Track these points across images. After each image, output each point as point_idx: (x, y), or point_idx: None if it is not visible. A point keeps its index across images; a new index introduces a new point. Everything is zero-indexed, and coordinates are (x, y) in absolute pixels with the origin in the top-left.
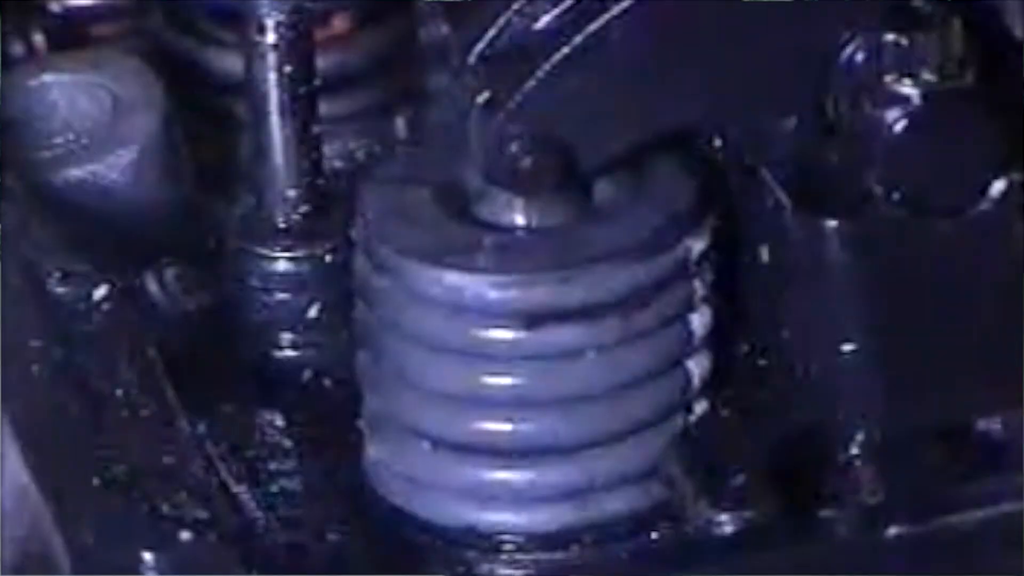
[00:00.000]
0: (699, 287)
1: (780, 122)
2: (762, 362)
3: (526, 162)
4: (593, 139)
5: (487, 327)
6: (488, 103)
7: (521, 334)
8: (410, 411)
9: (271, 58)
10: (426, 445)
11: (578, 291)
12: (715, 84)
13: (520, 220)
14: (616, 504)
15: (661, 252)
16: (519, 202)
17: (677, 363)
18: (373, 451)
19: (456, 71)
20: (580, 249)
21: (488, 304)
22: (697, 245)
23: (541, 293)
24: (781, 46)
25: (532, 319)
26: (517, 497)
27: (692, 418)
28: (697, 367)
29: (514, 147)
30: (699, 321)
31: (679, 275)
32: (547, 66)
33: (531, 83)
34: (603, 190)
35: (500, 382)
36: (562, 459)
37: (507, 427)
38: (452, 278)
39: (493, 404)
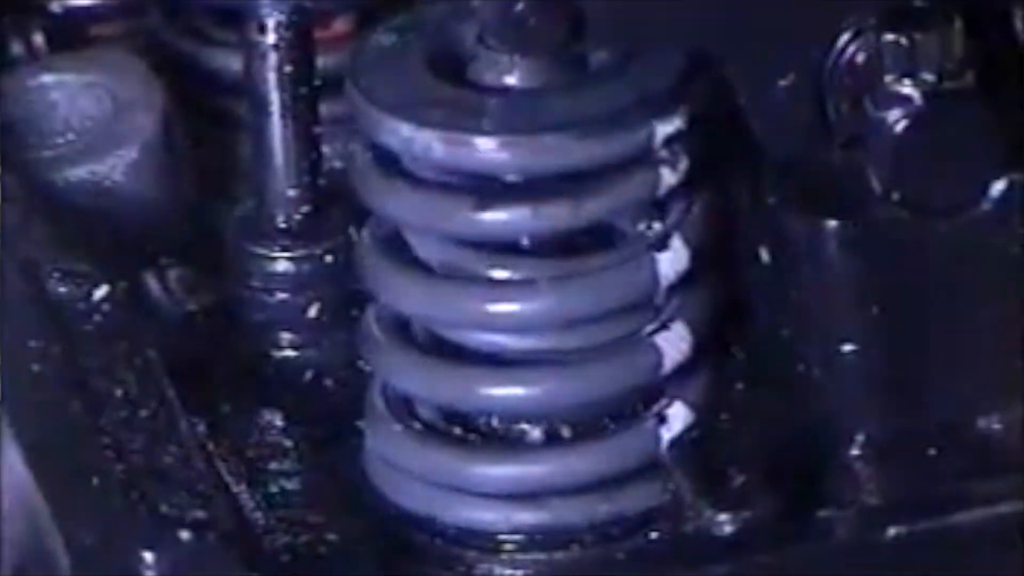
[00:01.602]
0: (667, 176)
1: (780, 75)
2: (762, 362)
3: (532, 21)
4: (604, 24)
5: (437, 191)
6: None
7: (467, 201)
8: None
9: (271, 58)
10: (421, 430)
11: (524, 157)
12: (731, 19)
13: (508, 81)
14: (615, 504)
15: (621, 130)
16: (504, 62)
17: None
18: (372, 443)
19: None
20: (540, 115)
21: (435, 161)
22: (664, 129)
23: (486, 154)
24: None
25: (478, 181)
26: (517, 496)
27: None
28: (667, 342)
29: (522, 5)
30: (670, 262)
31: (641, 159)
32: None
33: None
34: (596, 58)
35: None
36: (561, 455)
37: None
38: (405, 130)
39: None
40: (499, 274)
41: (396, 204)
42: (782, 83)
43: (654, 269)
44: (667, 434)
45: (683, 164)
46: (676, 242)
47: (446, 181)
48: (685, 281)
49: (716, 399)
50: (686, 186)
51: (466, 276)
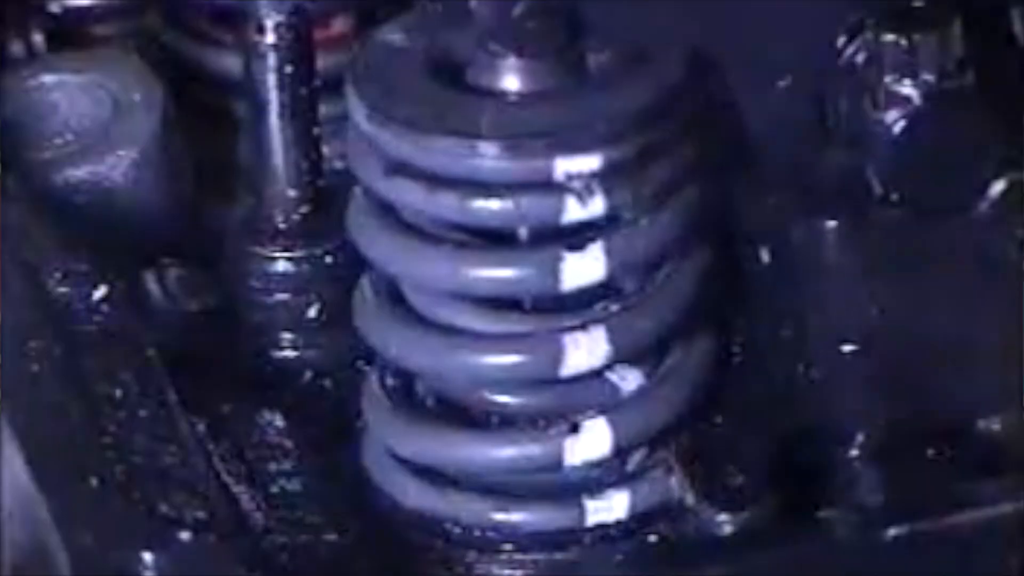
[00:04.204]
0: (573, 207)
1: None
2: (762, 362)
3: (530, 24)
4: (603, 26)
5: (365, 152)
6: None
7: (382, 178)
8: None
9: (271, 58)
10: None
11: (424, 154)
12: (730, 20)
13: (506, 85)
14: (614, 505)
15: (516, 153)
16: (489, 63)
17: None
18: (370, 434)
19: None
20: (458, 119)
21: (363, 135)
22: (566, 165)
23: (394, 140)
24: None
25: (389, 165)
26: (517, 496)
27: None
28: (575, 343)
29: (521, 9)
30: (578, 266)
31: (537, 186)
32: None
33: None
34: (596, 60)
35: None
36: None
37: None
38: (352, 102)
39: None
40: (423, 230)
41: (349, 155)
42: (782, 83)
43: (556, 267)
44: (573, 444)
45: (596, 201)
46: (594, 249)
47: (372, 146)
48: (611, 293)
49: (663, 430)
50: (610, 215)
51: (402, 229)
